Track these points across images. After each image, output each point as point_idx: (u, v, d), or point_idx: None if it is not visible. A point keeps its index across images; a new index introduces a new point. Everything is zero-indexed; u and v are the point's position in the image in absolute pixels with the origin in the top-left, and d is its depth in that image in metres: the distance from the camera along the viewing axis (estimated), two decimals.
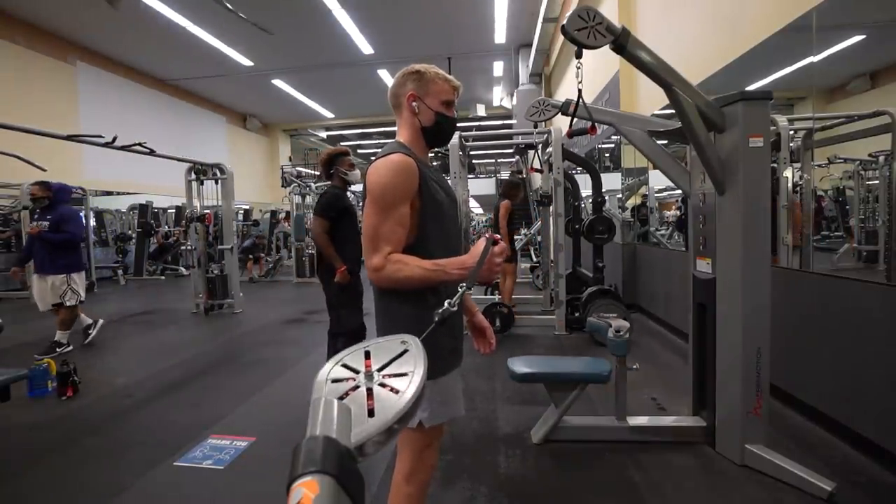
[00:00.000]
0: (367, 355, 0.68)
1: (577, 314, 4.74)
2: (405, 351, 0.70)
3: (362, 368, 0.66)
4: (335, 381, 0.65)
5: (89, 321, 4.73)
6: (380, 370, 0.66)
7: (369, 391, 0.62)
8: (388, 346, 0.71)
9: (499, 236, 1.19)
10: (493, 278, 1.22)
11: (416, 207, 1.27)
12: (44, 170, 5.41)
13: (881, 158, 2.68)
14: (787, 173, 3.05)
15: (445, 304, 1.06)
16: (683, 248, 4.45)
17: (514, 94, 12.68)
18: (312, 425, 0.52)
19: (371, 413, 0.59)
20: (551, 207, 4.92)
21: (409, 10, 9.71)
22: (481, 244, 1.16)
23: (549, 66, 11.82)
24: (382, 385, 0.63)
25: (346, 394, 0.62)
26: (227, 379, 3.72)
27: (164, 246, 10.95)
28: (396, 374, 0.65)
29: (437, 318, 1.04)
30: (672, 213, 6.18)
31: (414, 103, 1.33)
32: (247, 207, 14.45)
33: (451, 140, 4.62)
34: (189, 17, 9.44)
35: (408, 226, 1.26)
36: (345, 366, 0.67)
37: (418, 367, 0.66)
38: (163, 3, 8.83)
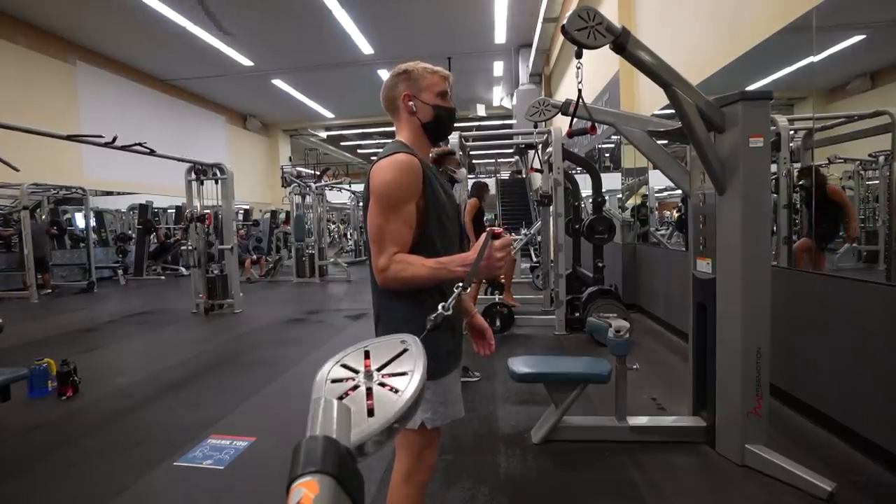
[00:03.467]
0: (367, 355, 0.68)
1: (577, 314, 4.74)
2: (405, 350, 0.69)
3: (362, 368, 0.66)
4: (335, 381, 0.64)
5: None
6: (379, 369, 0.66)
7: (369, 391, 0.62)
8: (387, 345, 0.71)
9: (500, 229, 1.16)
10: (495, 273, 1.20)
11: (420, 207, 1.26)
12: (17, 170, 5.32)
13: (881, 158, 2.68)
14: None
15: (439, 307, 1.02)
16: (683, 248, 4.45)
17: (514, 94, 12.69)
18: (312, 425, 0.52)
19: (371, 412, 0.59)
20: (551, 207, 4.92)
21: (409, 10, 9.71)
22: (482, 239, 1.12)
23: (549, 67, 11.83)
24: (382, 384, 0.63)
25: (346, 394, 0.62)
26: (227, 379, 3.72)
27: (165, 245, 10.96)
28: (396, 373, 0.65)
29: (429, 325, 1.00)
30: (661, 214, 6.19)
31: (410, 102, 1.32)
32: (247, 207, 14.45)
33: (452, 139, 4.63)
34: (189, 17, 9.43)
35: (414, 226, 1.25)
36: (344, 366, 0.67)
37: (418, 367, 0.66)
38: (163, 3, 8.83)
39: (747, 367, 2.17)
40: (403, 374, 0.65)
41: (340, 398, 0.61)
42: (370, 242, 1.25)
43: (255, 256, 10.68)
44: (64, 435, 2.75)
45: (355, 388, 0.63)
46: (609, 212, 5.53)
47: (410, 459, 1.31)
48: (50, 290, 8.47)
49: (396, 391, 0.62)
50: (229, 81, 13.54)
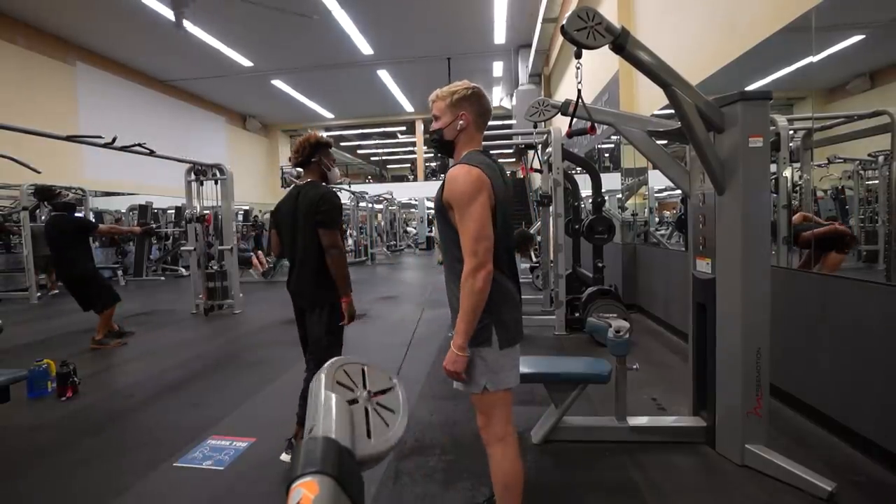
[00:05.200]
0: (364, 374, 0.69)
1: (577, 314, 4.73)
2: (392, 388, 0.71)
3: (360, 385, 0.67)
4: (339, 383, 0.65)
5: None
6: (374, 395, 0.67)
7: (366, 410, 0.63)
8: (380, 374, 0.73)
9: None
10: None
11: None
12: (38, 172, 5.41)
13: (881, 158, 2.68)
14: (787, 173, 3.05)
15: None
16: (683, 248, 4.45)
17: (514, 94, 12.70)
18: (314, 419, 0.53)
19: (369, 434, 0.60)
20: (551, 207, 4.92)
21: (409, 10, 9.72)
22: None
23: (548, 67, 11.83)
24: (376, 411, 0.65)
25: (349, 401, 0.63)
26: (227, 379, 3.72)
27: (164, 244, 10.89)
28: (387, 407, 0.67)
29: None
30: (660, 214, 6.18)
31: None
32: (246, 208, 14.45)
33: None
34: (189, 17, 9.43)
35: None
36: (346, 373, 0.67)
37: (404, 413, 0.68)
38: (162, 3, 8.83)
39: (747, 367, 2.17)
40: (392, 411, 0.67)
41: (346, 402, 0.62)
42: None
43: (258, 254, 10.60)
44: (64, 436, 2.75)
45: (354, 401, 0.64)
46: (609, 212, 5.53)
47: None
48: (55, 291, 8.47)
49: (387, 425, 0.64)
50: (229, 82, 13.55)
